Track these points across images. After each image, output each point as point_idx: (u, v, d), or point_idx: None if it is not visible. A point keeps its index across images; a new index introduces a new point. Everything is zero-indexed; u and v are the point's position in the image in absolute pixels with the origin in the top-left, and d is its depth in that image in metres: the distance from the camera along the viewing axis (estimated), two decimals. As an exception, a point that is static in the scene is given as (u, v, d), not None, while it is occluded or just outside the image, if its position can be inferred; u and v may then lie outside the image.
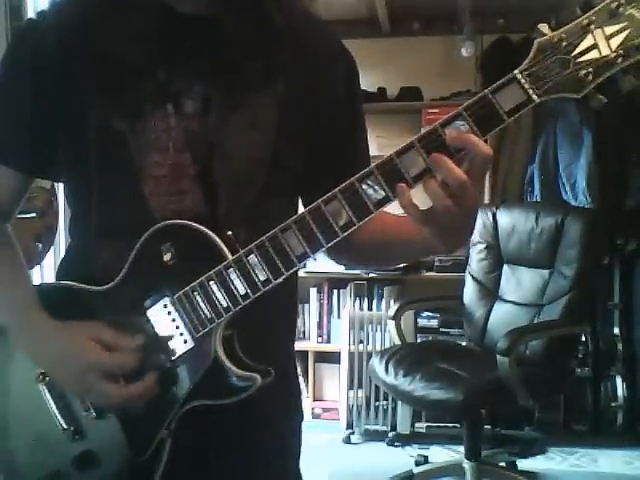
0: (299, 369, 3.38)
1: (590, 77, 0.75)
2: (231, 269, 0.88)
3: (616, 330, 3.54)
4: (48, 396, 1.01)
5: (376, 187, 0.81)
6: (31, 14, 2.28)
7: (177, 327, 0.93)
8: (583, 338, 3.47)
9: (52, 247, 2.18)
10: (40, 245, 2.04)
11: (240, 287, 0.88)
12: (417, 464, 3.09)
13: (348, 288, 3.78)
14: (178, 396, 0.94)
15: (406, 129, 3.82)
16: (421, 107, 3.76)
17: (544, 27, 0.76)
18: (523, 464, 3.15)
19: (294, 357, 1.16)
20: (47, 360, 1.00)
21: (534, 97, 0.76)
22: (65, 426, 1.00)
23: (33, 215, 1.95)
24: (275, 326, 1.04)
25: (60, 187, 2.06)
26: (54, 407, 1.00)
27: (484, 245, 3.19)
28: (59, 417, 1.00)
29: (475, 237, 3.22)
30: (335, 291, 3.85)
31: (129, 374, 0.93)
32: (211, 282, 0.90)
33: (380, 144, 3.43)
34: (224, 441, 1.01)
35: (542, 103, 0.77)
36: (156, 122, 0.94)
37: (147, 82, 0.94)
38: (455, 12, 3.67)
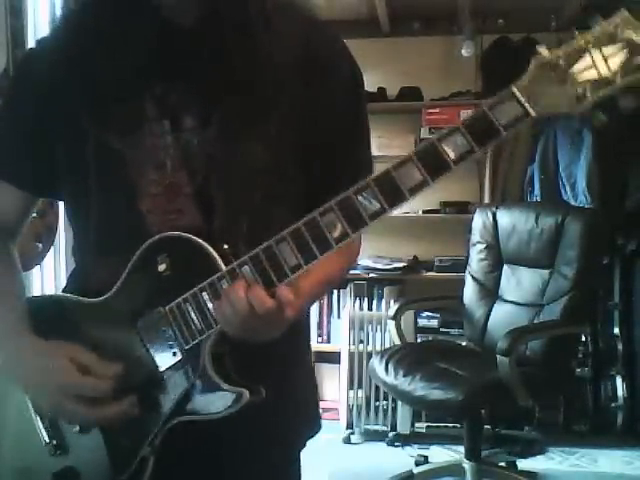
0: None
1: (588, 95, 0.75)
2: (224, 280, 0.87)
3: (616, 330, 3.54)
4: (33, 409, 1.00)
5: (372, 200, 0.81)
6: (31, 14, 2.28)
7: (167, 338, 0.92)
8: (583, 338, 3.47)
9: (52, 247, 2.18)
10: (40, 245, 2.04)
11: None
12: (417, 464, 3.08)
13: (348, 288, 3.78)
14: (163, 411, 0.92)
15: (406, 129, 3.83)
16: (421, 107, 3.77)
17: (542, 47, 0.77)
18: (523, 464, 3.15)
19: (300, 367, 1.10)
20: (23, 379, 0.99)
21: (531, 112, 0.76)
22: (47, 440, 0.99)
23: (33, 215, 1.94)
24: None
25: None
26: (39, 420, 0.99)
27: (484, 245, 3.19)
28: (42, 430, 0.99)
29: (475, 237, 3.22)
30: (335, 291, 3.84)
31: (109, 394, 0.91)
32: (203, 293, 0.88)
33: (380, 144, 3.43)
34: (210, 459, 0.98)
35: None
36: (153, 139, 0.93)
37: (144, 99, 0.93)
38: (455, 12, 3.67)
